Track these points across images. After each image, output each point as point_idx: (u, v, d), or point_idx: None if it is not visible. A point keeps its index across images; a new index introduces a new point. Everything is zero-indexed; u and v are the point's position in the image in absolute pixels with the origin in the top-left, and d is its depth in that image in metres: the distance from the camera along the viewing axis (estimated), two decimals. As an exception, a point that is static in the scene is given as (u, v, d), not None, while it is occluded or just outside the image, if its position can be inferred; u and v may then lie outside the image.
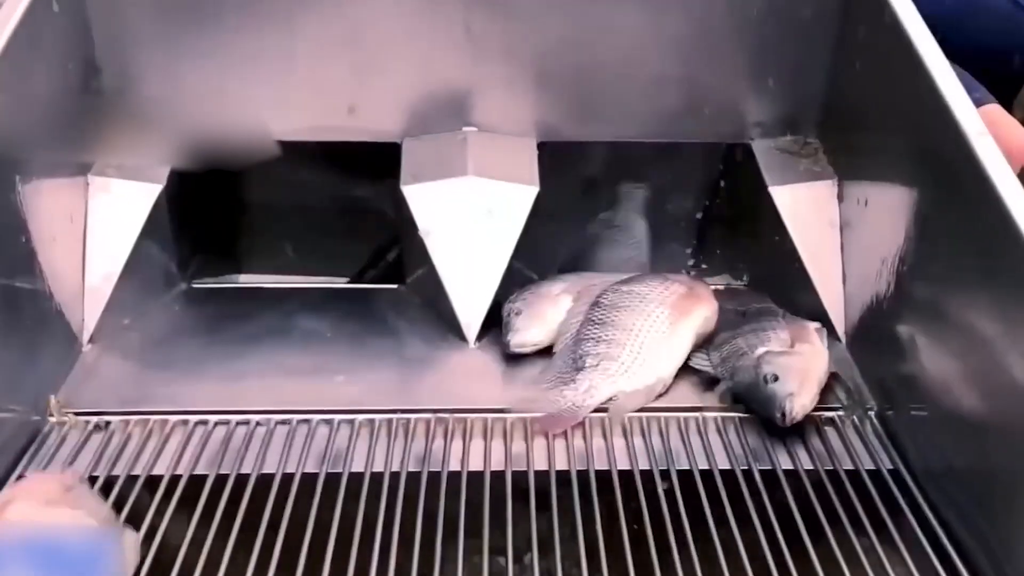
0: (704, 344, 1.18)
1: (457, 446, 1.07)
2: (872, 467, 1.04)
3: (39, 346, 1.11)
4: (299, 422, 1.09)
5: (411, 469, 1.03)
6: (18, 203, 1.06)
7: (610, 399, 1.11)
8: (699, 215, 1.47)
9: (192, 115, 1.31)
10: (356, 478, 1.01)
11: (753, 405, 1.10)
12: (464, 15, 1.26)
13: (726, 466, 1.04)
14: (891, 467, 1.04)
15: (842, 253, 1.24)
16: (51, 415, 1.09)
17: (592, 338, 1.15)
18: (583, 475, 1.02)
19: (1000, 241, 0.91)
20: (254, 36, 1.26)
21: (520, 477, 1.02)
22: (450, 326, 1.23)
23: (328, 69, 1.28)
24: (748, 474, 1.03)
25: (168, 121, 1.30)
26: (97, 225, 1.22)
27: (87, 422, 1.09)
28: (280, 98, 1.31)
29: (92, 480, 1.00)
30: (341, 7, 1.25)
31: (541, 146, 1.33)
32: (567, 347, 1.17)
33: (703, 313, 1.20)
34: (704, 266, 1.46)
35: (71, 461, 1.04)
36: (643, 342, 1.15)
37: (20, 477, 1.01)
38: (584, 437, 1.08)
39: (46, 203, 1.13)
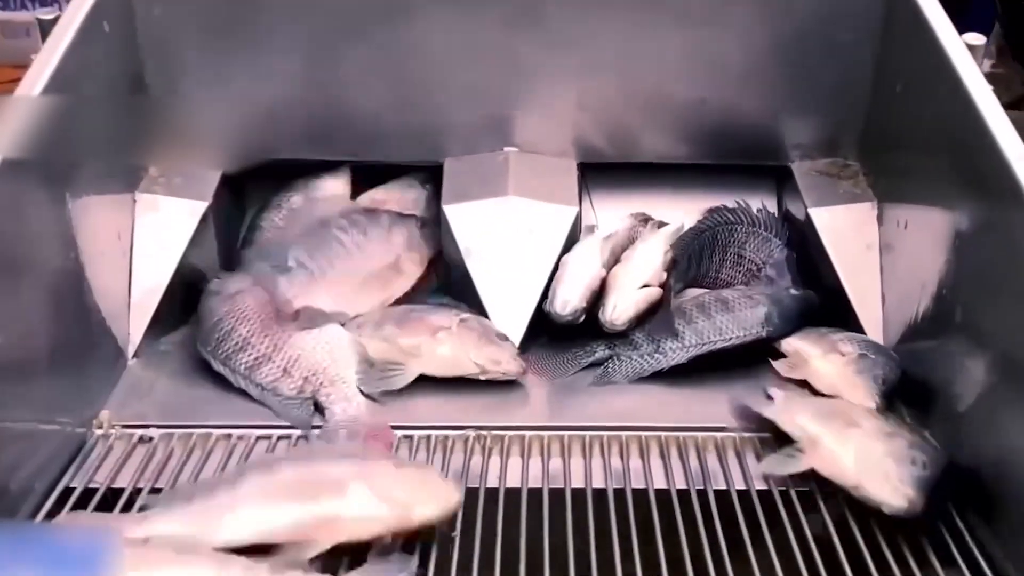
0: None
1: (495, 463, 1.07)
2: (910, 490, 1.04)
3: (85, 360, 1.12)
4: (340, 439, 1.10)
5: (449, 485, 1.04)
6: (68, 219, 1.08)
7: None
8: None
9: (237, 133, 1.33)
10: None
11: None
12: (507, 38, 1.27)
13: (763, 486, 1.04)
14: (929, 490, 1.04)
15: (881, 275, 1.23)
16: (99, 427, 1.10)
17: None
18: (620, 494, 1.03)
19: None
20: (300, 59, 1.28)
21: (557, 494, 1.02)
22: (489, 344, 1.23)
23: (372, 91, 1.30)
24: (785, 495, 1.02)
25: (214, 137, 1.32)
26: (144, 241, 1.24)
27: (131, 435, 1.10)
28: (324, 119, 1.32)
29: (136, 492, 1.02)
30: (387, 31, 1.27)
31: (581, 166, 1.34)
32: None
33: None
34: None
35: (115, 474, 1.05)
36: None
37: (66, 489, 1.03)
38: (621, 456, 1.08)
39: (94, 219, 1.15)
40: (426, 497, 0.94)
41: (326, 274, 1.26)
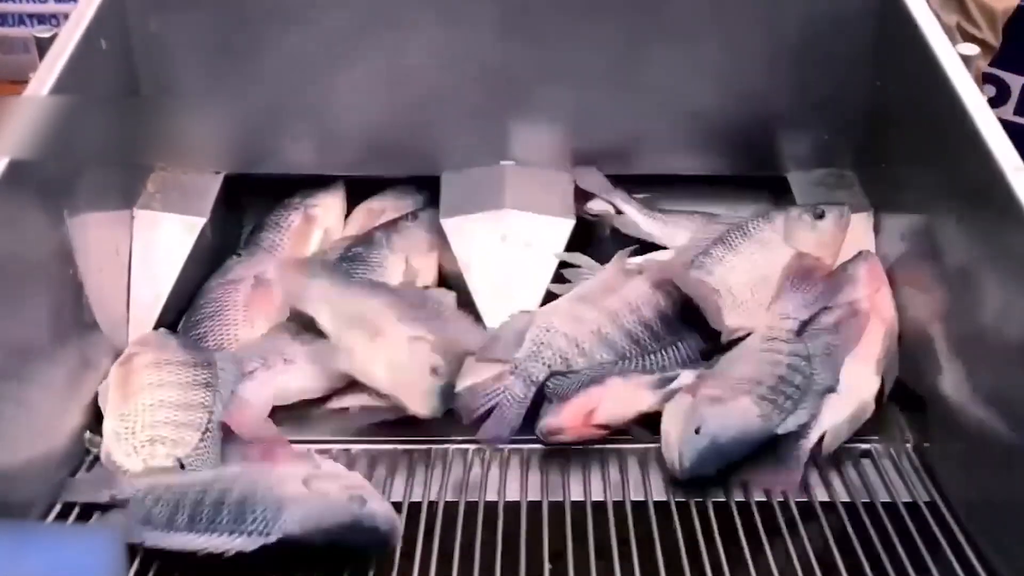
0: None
1: (494, 476, 1.08)
2: (909, 500, 1.04)
3: (84, 375, 1.12)
4: (339, 451, 1.10)
5: (448, 499, 1.04)
6: (66, 236, 1.09)
7: None
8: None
9: (234, 151, 1.33)
10: (394, 508, 1.02)
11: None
12: (503, 51, 1.28)
13: (762, 498, 1.04)
14: (928, 500, 1.04)
15: (879, 286, 1.24)
16: (89, 449, 1.10)
17: None
18: (619, 506, 1.03)
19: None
20: (295, 75, 1.28)
21: (556, 507, 1.02)
22: (488, 357, 1.23)
23: (369, 106, 1.30)
24: (785, 506, 1.03)
25: (209, 151, 1.33)
26: (142, 257, 1.24)
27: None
28: (320, 135, 1.33)
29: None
30: (382, 45, 1.27)
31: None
32: None
33: None
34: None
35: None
36: None
37: (66, 504, 1.03)
38: (620, 468, 1.08)
39: (93, 235, 1.15)
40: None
41: None
